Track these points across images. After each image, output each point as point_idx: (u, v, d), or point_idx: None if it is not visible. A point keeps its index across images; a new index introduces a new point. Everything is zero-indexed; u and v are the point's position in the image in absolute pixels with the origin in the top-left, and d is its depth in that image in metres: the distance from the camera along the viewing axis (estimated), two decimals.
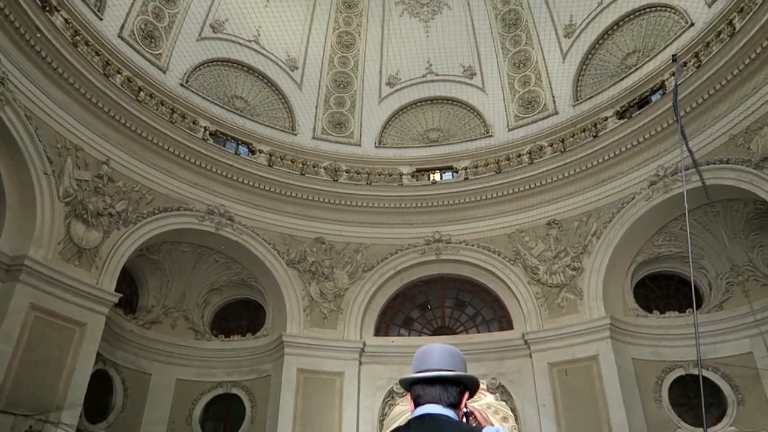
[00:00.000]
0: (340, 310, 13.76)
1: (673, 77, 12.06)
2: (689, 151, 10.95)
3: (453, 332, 13.91)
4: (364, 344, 13.42)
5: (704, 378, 12.04)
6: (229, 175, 13.63)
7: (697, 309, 12.58)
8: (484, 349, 13.20)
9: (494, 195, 14.21)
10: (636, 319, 12.65)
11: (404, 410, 16.18)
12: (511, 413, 13.40)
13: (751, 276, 12.07)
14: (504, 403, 13.12)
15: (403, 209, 14.66)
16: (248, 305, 14.67)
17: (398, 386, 13.08)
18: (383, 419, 13.01)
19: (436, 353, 2.10)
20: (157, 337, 13.35)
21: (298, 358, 12.99)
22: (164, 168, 12.71)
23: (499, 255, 13.84)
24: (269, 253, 13.72)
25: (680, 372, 12.14)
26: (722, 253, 12.33)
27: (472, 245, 14.12)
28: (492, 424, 2.32)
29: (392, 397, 13.17)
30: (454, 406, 1.98)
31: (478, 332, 13.74)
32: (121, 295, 11.42)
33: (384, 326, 14.16)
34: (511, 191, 14.07)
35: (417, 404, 2.01)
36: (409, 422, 1.97)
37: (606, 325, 12.15)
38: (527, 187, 13.93)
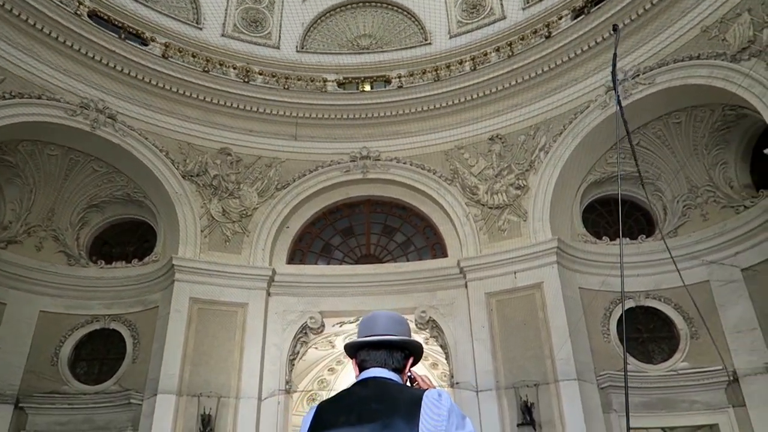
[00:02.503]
0: (247, 232, 11.61)
1: None
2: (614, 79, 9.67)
3: (379, 261, 12.08)
4: (274, 272, 11.38)
5: (656, 310, 10.82)
6: (112, 65, 11.06)
7: (648, 236, 11.33)
8: (414, 279, 11.45)
9: (431, 107, 12.31)
10: (584, 245, 11.21)
11: (322, 355, 14.42)
12: (441, 353, 11.79)
13: (711, 197, 10.83)
14: (434, 341, 11.46)
15: (327, 120, 12.56)
16: (137, 228, 12.27)
17: (313, 321, 11.19)
18: (294, 358, 11.09)
19: (382, 319, 2.08)
20: (16, 260, 10.79)
21: (191, 285, 10.80)
22: (20, 44, 10.02)
23: (434, 174, 12.03)
24: (160, 161, 11.34)
25: (630, 304, 10.83)
26: (680, 171, 11.01)
27: (404, 163, 12.24)
28: (435, 388, 1.96)
29: (305, 333, 11.25)
30: (399, 370, 2.00)
31: (408, 261, 11.95)
32: None
33: (299, 253, 12.14)
34: (450, 102, 12.22)
35: (362, 368, 2.01)
36: (353, 385, 1.97)
37: (552, 249, 10.62)
38: (469, 98, 12.11)
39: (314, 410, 1.91)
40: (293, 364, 11.07)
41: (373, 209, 12.63)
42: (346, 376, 15.31)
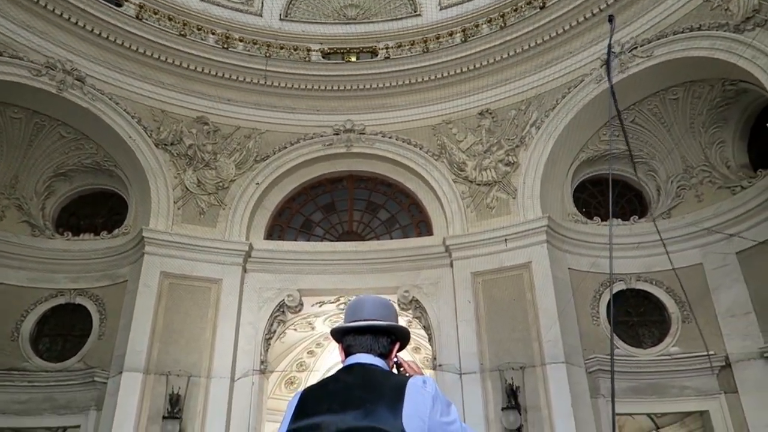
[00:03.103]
0: (223, 205, 11.05)
1: None
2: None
3: (362, 238, 11.57)
4: (251, 247, 10.84)
5: (647, 293, 10.44)
6: (81, 24, 10.40)
7: (641, 217, 10.95)
8: (398, 258, 10.97)
9: (419, 80, 11.78)
10: (575, 225, 10.79)
11: (301, 337, 13.94)
12: (424, 336, 11.35)
13: (707, 178, 10.45)
14: (417, 323, 11.01)
15: (310, 92, 11.98)
16: (107, 200, 11.65)
17: (291, 299, 10.69)
18: (270, 338, 10.59)
19: (368, 304, 2.09)
20: None
21: (162, 259, 10.24)
22: None
23: (421, 149, 11.53)
24: (132, 128, 10.72)
25: (621, 286, 10.44)
26: (675, 150, 10.61)
27: (390, 137, 11.73)
28: (421, 374, 1.98)
29: (282, 312, 10.74)
30: (385, 356, 2.00)
31: (392, 239, 11.46)
32: None
33: (278, 229, 11.61)
34: (439, 75, 11.69)
35: (348, 354, 2.02)
36: (338, 371, 1.98)
37: (542, 228, 10.19)
38: (458, 71, 11.59)
39: (299, 396, 1.89)
40: (269, 344, 10.57)
41: (356, 185, 12.11)
42: (326, 358, 14.85)
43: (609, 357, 9.66)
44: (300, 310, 11.02)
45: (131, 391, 9.16)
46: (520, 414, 8.97)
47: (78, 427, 9.56)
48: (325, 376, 2.03)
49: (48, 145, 10.86)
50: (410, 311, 10.84)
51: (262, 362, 10.27)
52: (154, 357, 9.53)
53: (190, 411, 9.34)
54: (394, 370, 2.05)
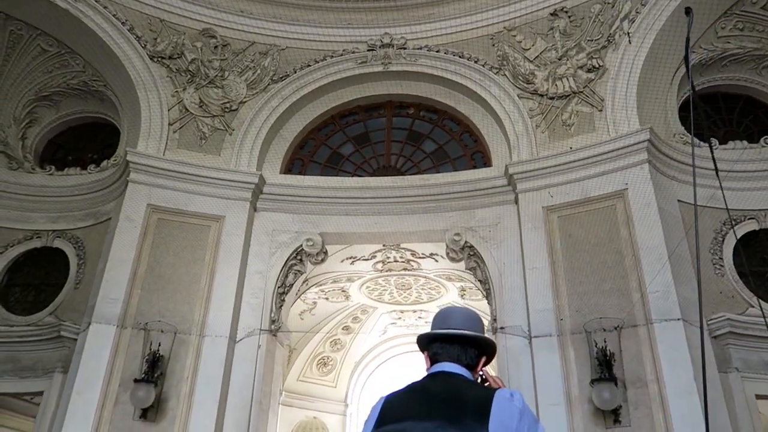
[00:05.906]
0: (230, 129, 8.99)
1: None
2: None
3: (401, 173, 9.24)
4: (262, 180, 8.72)
5: None
6: None
7: None
8: (446, 194, 8.58)
9: None
10: (685, 147, 8.10)
11: (335, 309, 11.77)
12: (479, 293, 8.90)
13: None
14: (471, 275, 8.58)
15: (340, 2, 9.81)
16: (99, 131, 9.85)
17: (311, 244, 8.46)
18: (284, 292, 8.37)
19: (458, 314, 2.08)
20: None
21: (150, 189, 8.24)
22: None
23: (476, 62, 9.14)
24: (122, 37, 8.83)
25: (752, 226, 7.72)
26: None
27: (437, 51, 9.38)
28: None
29: (300, 260, 8.52)
30: (471, 368, 1.98)
31: (439, 173, 9.08)
32: None
33: (299, 162, 9.44)
34: None
35: (434, 362, 1.99)
36: (423, 378, 1.97)
37: (642, 144, 7.59)
38: None
39: (382, 401, 1.89)
40: (283, 300, 8.35)
41: (395, 112, 9.83)
42: (365, 335, 12.56)
43: (743, 318, 6.98)
44: (323, 261, 8.78)
45: (100, 349, 7.15)
46: (617, 387, 6.36)
47: (41, 394, 7.62)
48: (410, 383, 1.93)
49: (28, 62, 9.14)
50: (462, 261, 8.41)
51: (272, 321, 8.08)
52: (133, 307, 7.49)
53: (176, 375, 7.23)
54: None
